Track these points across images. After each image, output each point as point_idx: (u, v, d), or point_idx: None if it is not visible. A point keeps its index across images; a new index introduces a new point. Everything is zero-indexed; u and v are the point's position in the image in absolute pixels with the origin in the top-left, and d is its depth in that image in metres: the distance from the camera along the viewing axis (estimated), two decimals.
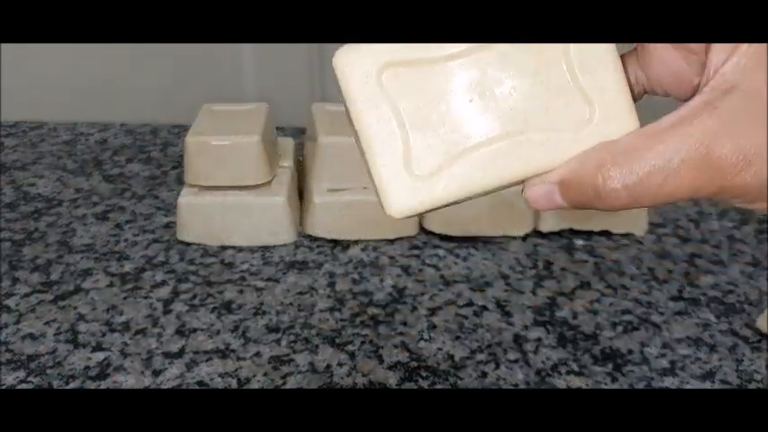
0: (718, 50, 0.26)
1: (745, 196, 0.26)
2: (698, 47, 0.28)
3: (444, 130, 0.28)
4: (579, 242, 0.71)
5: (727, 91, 0.26)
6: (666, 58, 0.30)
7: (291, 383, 0.53)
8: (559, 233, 0.72)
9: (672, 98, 0.31)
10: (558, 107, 0.28)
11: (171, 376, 0.53)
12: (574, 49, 0.27)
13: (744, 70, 0.26)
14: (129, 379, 0.53)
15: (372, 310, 0.61)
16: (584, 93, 0.28)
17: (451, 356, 0.55)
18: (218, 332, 0.58)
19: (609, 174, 0.27)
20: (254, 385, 0.52)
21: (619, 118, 0.28)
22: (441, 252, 0.69)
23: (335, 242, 0.70)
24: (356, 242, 0.70)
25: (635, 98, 0.31)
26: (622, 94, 0.28)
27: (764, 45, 0.25)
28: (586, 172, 0.27)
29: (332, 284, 0.64)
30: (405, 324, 0.59)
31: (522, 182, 0.29)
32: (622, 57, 0.30)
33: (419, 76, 0.27)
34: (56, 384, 0.52)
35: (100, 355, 0.55)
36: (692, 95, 0.27)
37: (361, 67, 0.27)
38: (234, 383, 0.53)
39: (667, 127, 0.26)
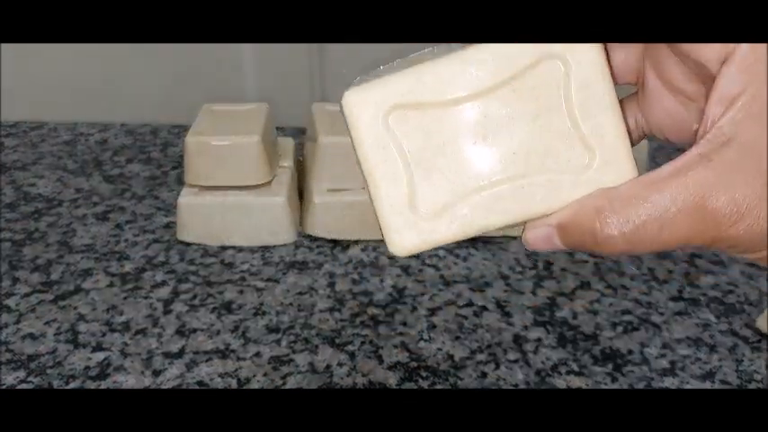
0: (715, 103, 0.27)
1: (738, 247, 0.27)
2: (695, 95, 0.29)
3: (449, 172, 0.28)
4: None
5: (723, 144, 0.26)
6: (665, 104, 0.30)
7: (291, 383, 0.53)
8: None
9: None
10: (559, 152, 0.28)
11: (171, 376, 0.53)
12: (575, 95, 0.28)
13: (740, 124, 0.26)
14: (129, 379, 0.53)
15: (372, 311, 0.61)
16: (584, 139, 0.28)
17: (451, 356, 0.55)
18: (218, 332, 0.58)
19: (606, 220, 0.27)
20: (254, 385, 0.52)
21: (617, 165, 0.28)
22: (441, 252, 0.69)
23: (335, 242, 0.70)
24: (356, 242, 0.70)
25: (635, 141, 0.31)
26: (622, 141, 0.28)
27: (761, 100, 0.26)
28: (585, 217, 0.28)
29: (332, 285, 0.64)
30: (405, 324, 0.59)
31: (524, 223, 0.30)
32: (623, 101, 0.31)
33: (425, 119, 0.28)
34: (56, 384, 0.52)
35: (100, 355, 0.55)
36: (691, 142, 0.28)
37: (369, 109, 0.28)
38: (234, 383, 0.53)
39: (664, 177, 0.27)
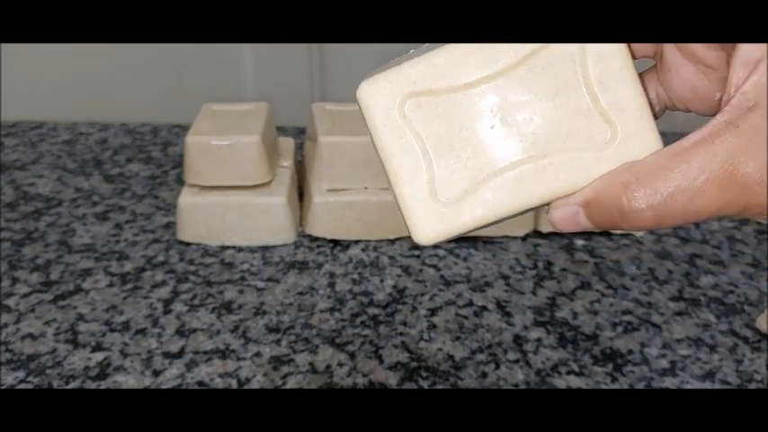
0: (738, 68, 0.26)
1: None
2: (716, 62, 0.28)
3: (468, 156, 0.28)
4: (579, 242, 0.71)
5: (749, 109, 0.26)
6: (685, 75, 0.30)
7: (291, 383, 0.53)
8: (560, 233, 0.72)
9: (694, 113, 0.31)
10: (580, 129, 0.28)
11: (171, 376, 0.53)
12: (592, 70, 0.27)
13: (764, 87, 0.26)
14: (129, 379, 0.53)
15: (372, 311, 0.61)
16: (604, 113, 0.28)
17: (451, 356, 0.55)
18: (218, 332, 0.58)
19: (633, 194, 0.27)
20: (254, 385, 0.52)
21: (641, 137, 0.28)
22: (441, 252, 0.69)
23: (335, 242, 0.70)
24: (356, 242, 0.70)
25: (657, 115, 0.31)
26: (644, 113, 0.28)
27: None
28: (611, 193, 0.27)
29: (332, 285, 0.64)
30: (405, 324, 0.59)
31: (548, 203, 0.29)
32: (642, 74, 0.30)
33: (441, 105, 0.28)
34: (56, 384, 0.52)
35: (100, 356, 0.55)
36: (715, 111, 0.27)
37: (384, 98, 0.28)
38: (234, 383, 0.53)
39: (690, 146, 0.26)
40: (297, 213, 0.72)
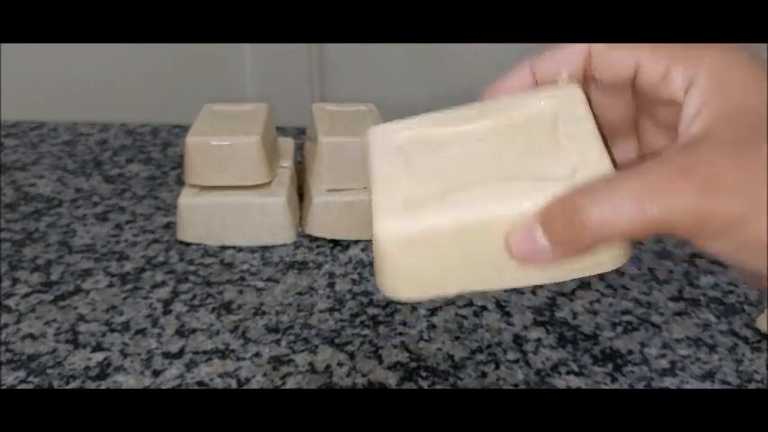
0: (684, 124, 0.29)
1: (728, 228, 0.28)
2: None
3: (443, 179, 0.32)
4: None
5: (696, 140, 0.28)
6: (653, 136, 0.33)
7: (291, 384, 0.53)
8: None
9: None
10: (544, 167, 0.31)
11: (171, 376, 0.53)
12: (561, 128, 0.32)
13: (710, 126, 0.28)
14: (129, 379, 0.53)
15: (372, 311, 0.61)
16: (568, 157, 0.31)
17: (451, 356, 0.55)
18: (217, 332, 0.58)
19: (590, 195, 0.27)
20: (254, 385, 0.52)
21: (600, 174, 0.30)
22: None
23: (335, 242, 0.70)
24: (356, 242, 0.70)
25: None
26: (604, 158, 0.31)
27: (726, 122, 0.28)
28: (567, 198, 0.28)
29: (332, 285, 0.64)
30: (404, 324, 0.59)
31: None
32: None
33: (430, 144, 0.34)
34: (56, 384, 0.52)
35: (100, 356, 0.55)
36: None
37: (386, 135, 0.35)
38: (233, 384, 0.53)
39: (646, 164, 0.28)
40: (296, 213, 0.72)
